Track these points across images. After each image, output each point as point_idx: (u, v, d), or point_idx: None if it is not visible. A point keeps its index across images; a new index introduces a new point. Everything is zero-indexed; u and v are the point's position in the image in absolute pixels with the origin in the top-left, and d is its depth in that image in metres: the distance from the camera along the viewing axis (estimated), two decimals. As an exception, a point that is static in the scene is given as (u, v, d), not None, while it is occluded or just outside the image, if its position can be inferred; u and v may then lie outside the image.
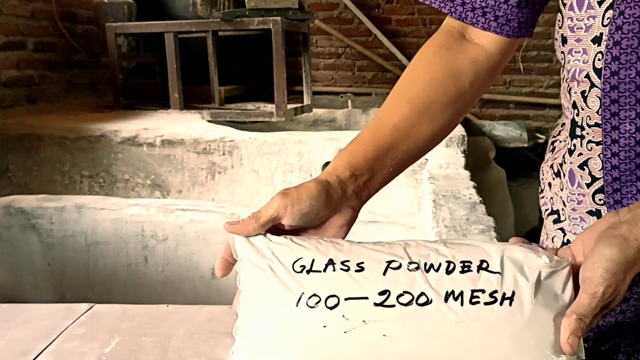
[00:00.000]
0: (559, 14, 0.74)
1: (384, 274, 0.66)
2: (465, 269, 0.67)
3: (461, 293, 0.65)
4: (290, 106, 2.99)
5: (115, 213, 1.76)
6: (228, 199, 2.49)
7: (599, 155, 0.71)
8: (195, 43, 3.33)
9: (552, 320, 0.63)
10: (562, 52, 0.75)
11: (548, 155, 0.85)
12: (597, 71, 0.69)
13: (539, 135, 4.16)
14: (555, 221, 0.81)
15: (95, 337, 0.82)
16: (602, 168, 0.71)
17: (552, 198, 0.83)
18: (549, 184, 0.84)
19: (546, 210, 0.84)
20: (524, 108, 4.40)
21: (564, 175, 0.78)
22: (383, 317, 0.63)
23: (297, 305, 0.64)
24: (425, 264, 0.67)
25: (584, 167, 0.73)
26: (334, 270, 0.67)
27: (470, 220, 1.56)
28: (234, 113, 3.00)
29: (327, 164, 2.29)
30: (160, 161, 2.52)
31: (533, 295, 0.64)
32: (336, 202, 0.68)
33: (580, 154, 0.73)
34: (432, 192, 1.84)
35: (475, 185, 1.97)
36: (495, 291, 0.65)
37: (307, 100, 3.23)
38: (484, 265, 0.67)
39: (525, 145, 3.81)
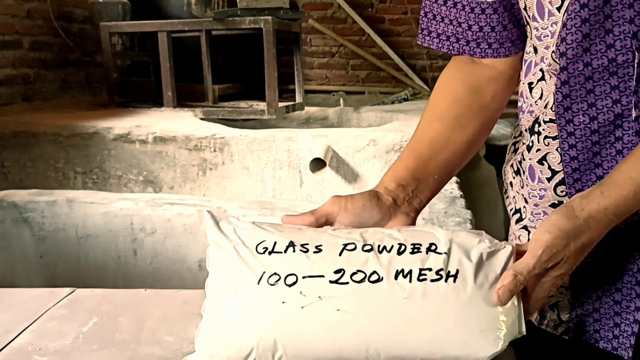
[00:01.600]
0: (527, 27, 0.78)
1: (340, 254, 0.72)
2: (415, 250, 0.72)
3: (410, 271, 0.70)
4: (281, 104, 3.03)
5: (105, 207, 1.81)
6: (219, 195, 2.53)
7: (556, 149, 0.74)
8: (190, 42, 3.37)
9: (491, 297, 0.68)
10: (531, 62, 0.79)
11: (509, 156, 0.88)
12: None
13: (530, 133, 4.20)
14: (518, 220, 0.84)
15: (74, 318, 0.87)
16: (561, 161, 0.73)
17: (514, 197, 0.86)
18: (511, 184, 0.87)
19: (511, 210, 0.87)
20: (515, 106, 4.43)
21: (524, 172, 0.81)
22: (337, 294, 0.68)
23: (258, 284, 0.69)
24: (379, 246, 0.72)
25: (543, 162, 0.76)
26: (294, 251, 0.72)
27: (448, 213, 1.60)
28: (226, 111, 3.04)
29: (315, 160, 2.34)
30: (153, 158, 2.57)
31: (474, 273, 0.69)
32: (388, 208, 0.74)
33: (539, 149, 0.76)
34: (414, 187, 1.89)
35: (458, 180, 2.01)
36: (442, 269, 0.70)
37: (299, 98, 3.28)
38: (433, 247, 0.72)
39: (516, 143, 3.85)
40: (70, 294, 0.96)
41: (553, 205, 0.77)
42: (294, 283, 0.69)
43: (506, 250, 0.70)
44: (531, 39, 0.78)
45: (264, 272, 0.71)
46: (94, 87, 3.73)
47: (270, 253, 0.72)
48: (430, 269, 0.69)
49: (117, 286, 1.83)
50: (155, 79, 3.40)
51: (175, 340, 0.80)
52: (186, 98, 3.20)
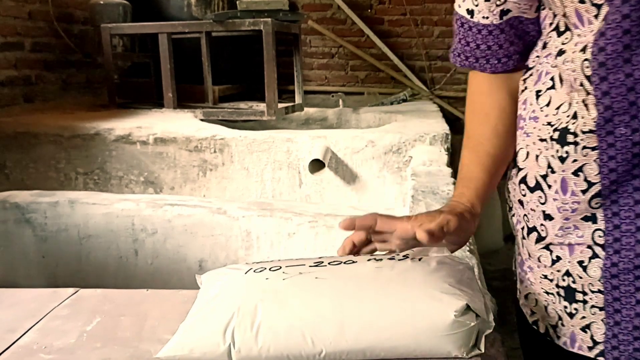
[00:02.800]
0: (553, 33, 0.78)
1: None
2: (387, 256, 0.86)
3: (380, 258, 0.80)
4: (281, 105, 3.06)
5: (106, 208, 1.83)
6: (219, 195, 2.56)
7: (594, 160, 0.71)
8: (190, 43, 3.39)
9: (451, 270, 0.78)
10: (542, 71, 0.80)
11: (513, 172, 0.87)
12: (587, 78, 0.71)
13: (528, 134, 4.22)
14: (538, 240, 0.81)
15: (78, 317, 0.89)
16: (599, 172, 0.71)
17: (526, 215, 0.83)
18: (520, 202, 0.84)
19: (522, 228, 0.85)
20: (514, 107, 4.47)
21: (550, 186, 0.77)
22: (316, 270, 0.77)
23: (245, 273, 0.77)
24: (346, 260, 0.84)
25: (579, 173, 0.73)
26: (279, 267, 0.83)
27: (444, 214, 1.63)
28: (226, 112, 3.07)
29: (314, 161, 2.36)
30: (153, 159, 2.59)
31: (437, 261, 0.80)
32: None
33: (575, 160, 0.73)
34: (412, 188, 1.91)
35: (455, 182, 2.04)
36: (407, 255, 0.80)
37: (298, 99, 3.30)
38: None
39: (514, 143, 3.88)
40: (73, 294, 0.98)
41: (585, 218, 0.74)
42: (278, 268, 0.78)
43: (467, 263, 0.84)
44: (543, 48, 0.79)
45: (251, 268, 0.79)
46: (94, 88, 3.75)
47: (260, 269, 0.82)
48: (397, 255, 0.82)
49: (117, 286, 1.85)
50: (155, 80, 3.42)
51: (175, 338, 0.83)
52: (186, 99, 3.23)
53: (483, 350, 0.73)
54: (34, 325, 0.87)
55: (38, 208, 1.85)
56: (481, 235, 3.53)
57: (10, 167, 2.63)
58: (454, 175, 2.17)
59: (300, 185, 2.50)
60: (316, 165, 2.38)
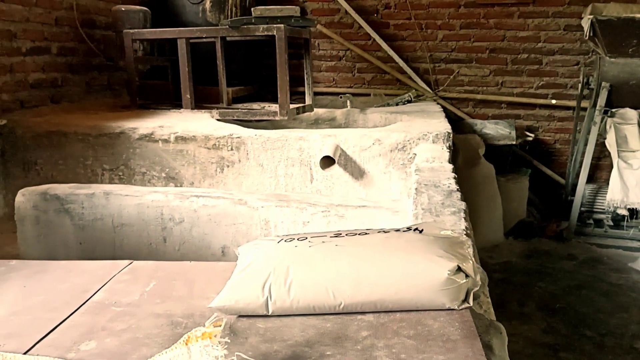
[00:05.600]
0: None
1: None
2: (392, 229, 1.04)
3: (388, 230, 0.99)
4: (292, 106, 3.24)
5: (138, 199, 2.02)
6: (236, 190, 2.74)
7: None
8: (205, 47, 3.58)
9: (446, 240, 0.97)
10: None
11: None
12: None
13: (528, 133, 4.39)
14: None
15: (137, 281, 1.08)
16: None
17: None
18: None
19: None
20: (515, 108, 4.64)
21: None
22: (336, 239, 0.98)
23: (278, 243, 0.97)
24: (360, 232, 1.03)
25: None
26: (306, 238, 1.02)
27: (445, 205, 1.80)
28: (240, 112, 3.25)
29: (325, 157, 2.54)
30: (174, 156, 2.78)
31: (435, 233, 0.98)
32: None
33: None
34: (416, 182, 2.09)
35: (456, 177, 2.21)
36: (410, 228, 0.99)
37: (308, 100, 3.48)
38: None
39: (514, 142, 4.05)
40: (128, 265, 1.17)
41: None
42: (305, 239, 0.97)
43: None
44: None
45: (282, 239, 0.99)
46: (115, 89, 3.95)
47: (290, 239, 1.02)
48: (402, 228, 1.00)
49: (149, 269, 2.04)
50: (173, 82, 3.61)
51: (220, 296, 1.01)
52: (201, 100, 3.41)
53: (472, 304, 0.91)
54: (102, 287, 1.05)
55: (76, 199, 2.04)
56: (483, 230, 3.70)
57: (41, 163, 2.82)
58: (455, 170, 2.34)
59: (311, 181, 2.68)
60: (327, 161, 2.56)
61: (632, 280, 3.38)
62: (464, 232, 1.49)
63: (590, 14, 3.88)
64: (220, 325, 0.74)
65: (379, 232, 0.98)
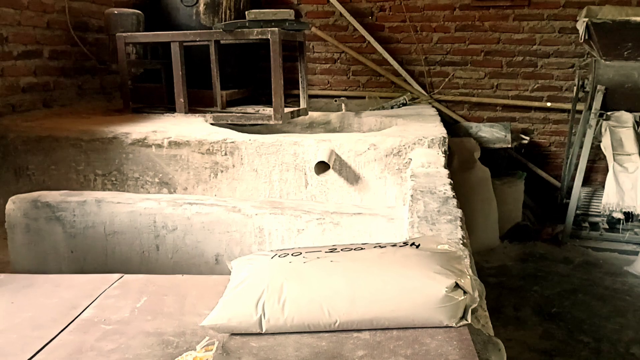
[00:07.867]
0: None
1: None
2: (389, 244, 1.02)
3: (384, 245, 0.98)
4: (287, 110, 3.21)
5: (130, 206, 1.99)
6: (229, 195, 2.72)
7: None
8: (199, 50, 3.55)
9: (443, 255, 0.95)
10: None
11: None
12: None
13: (523, 136, 4.38)
14: None
15: (127, 296, 1.05)
16: None
17: None
18: None
19: None
20: (511, 110, 4.63)
21: None
22: (330, 255, 0.96)
23: (271, 258, 0.95)
24: (356, 247, 1.01)
25: None
26: (300, 253, 1.00)
27: (440, 212, 1.78)
28: (235, 116, 3.22)
29: (320, 163, 2.52)
30: (168, 161, 2.75)
31: (432, 248, 0.96)
32: None
33: None
34: (411, 188, 2.07)
35: (452, 182, 2.20)
36: (406, 242, 0.97)
37: (303, 104, 3.46)
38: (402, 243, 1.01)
39: (509, 146, 4.04)
40: (119, 279, 1.15)
41: None
42: (299, 254, 0.95)
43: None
44: None
45: (276, 254, 0.96)
46: (108, 93, 3.91)
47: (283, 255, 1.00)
48: (398, 243, 0.98)
49: (141, 278, 2.01)
50: (166, 85, 3.58)
51: (212, 313, 0.99)
52: (195, 103, 3.38)
53: (470, 321, 0.89)
54: (91, 303, 1.03)
55: (67, 207, 2.01)
56: (478, 234, 3.68)
57: (33, 169, 2.79)
58: (450, 175, 2.33)
59: (306, 186, 2.66)
60: (321, 167, 2.54)
61: (628, 284, 3.38)
62: (461, 242, 1.47)
63: (585, 17, 3.87)
64: (211, 350, 0.72)
65: (374, 247, 0.96)
